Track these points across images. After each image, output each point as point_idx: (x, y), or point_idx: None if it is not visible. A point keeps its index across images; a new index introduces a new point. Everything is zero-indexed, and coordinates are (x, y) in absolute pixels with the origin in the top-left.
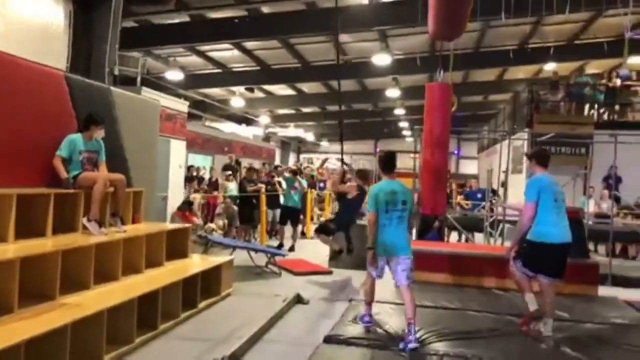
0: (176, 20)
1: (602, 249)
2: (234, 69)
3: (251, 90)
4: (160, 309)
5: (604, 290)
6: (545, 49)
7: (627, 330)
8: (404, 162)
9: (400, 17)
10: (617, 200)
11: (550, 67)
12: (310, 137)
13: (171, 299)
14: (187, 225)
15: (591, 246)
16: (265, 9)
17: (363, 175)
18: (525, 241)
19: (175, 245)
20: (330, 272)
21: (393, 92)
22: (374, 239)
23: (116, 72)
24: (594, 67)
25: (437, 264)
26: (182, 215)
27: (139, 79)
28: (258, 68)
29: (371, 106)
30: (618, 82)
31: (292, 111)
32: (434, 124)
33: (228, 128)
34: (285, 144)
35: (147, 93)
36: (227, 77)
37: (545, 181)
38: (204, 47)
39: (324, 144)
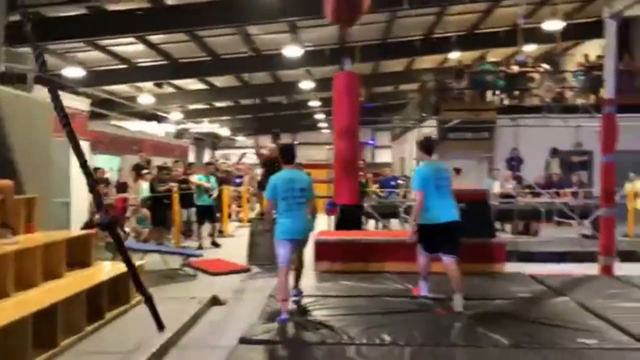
0: (72, 13)
1: (508, 227)
2: (140, 64)
3: (160, 85)
4: (61, 324)
5: (511, 267)
6: (448, 39)
7: (532, 302)
8: (321, 154)
9: (307, 8)
10: (519, 180)
11: (454, 56)
12: (225, 132)
13: (73, 312)
14: (90, 232)
15: (498, 225)
16: (170, 1)
17: None
18: (417, 226)
19: (77, 254)
20: (248, 270)
21: (307, 84)
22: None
23: (1, 69)
24: (495, 55)
25: (350, 253)
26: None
27: (29, 76)
28: (166, 62)
29: (286, 99)
30: (516, 68)
31: (205, 106)
32: (342, 113)
33: (137, 126)
34: (200, 141)
35: (41, 92)
36: (133, 72)
37: (427, 169)
38: (105, 42)
39: (240, 138)
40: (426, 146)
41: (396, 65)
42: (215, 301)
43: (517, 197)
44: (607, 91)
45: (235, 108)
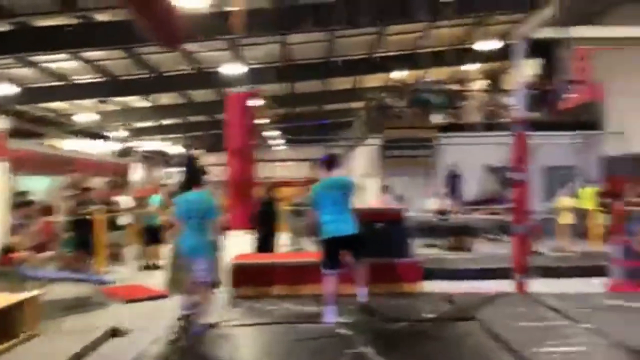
0: None
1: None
2: (78, 81)
3: (103, 102)
4: None
5: (432, 285)
6: (391, 58)
7: (434, 324)
8: (277, 171)
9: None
10: (458, 197)
11: (398, 75)
12: (179, 149)
13: None
14: None
15: (433, 241)
16: (100, 17)
17: None
18: (319, 243)
19: None
20: (166, 296)
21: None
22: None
23: None
24: (436, 74)
25: (266, 276)
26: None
27: None
28: (104, 80)
29: None
30: (455, 87)
31: (154, 124)
32: (235, 135)
33: (74, 145)
34: (149, 159)
35: None
36: (69, 89)
37: (321, 186)
38: (38, 58)
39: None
40: (327, 163)
41: (344, 83)
42: (115, 332)
43: (452, 214)
44: (517, 110)
45: (184, 125)
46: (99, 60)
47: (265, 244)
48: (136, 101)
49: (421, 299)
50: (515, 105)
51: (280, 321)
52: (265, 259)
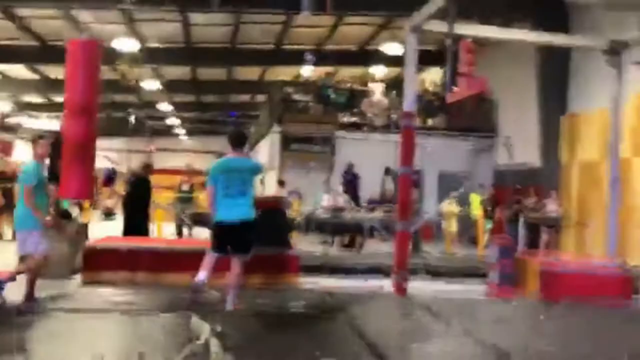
0: None
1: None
2: None
3: None
4: None
5: (316, 281)
6: (298, 52)
7: (298, 319)
8: (180, 162)
9: None
10: (354, 196)
11: (307, 71)
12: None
13: None
14: None
15: (328, 238)
16: None
17: None
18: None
19: None
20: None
21: (153, 85)
22: None
23: None
24: (346, 73)
25: (124, 262)
26: None
27: None
28: None
29: (136, 99)
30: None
31: (43, 100)
32: (76, 88)
33: None
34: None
35: None
36: None
37: (220, 164)
38: None
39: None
40: (232, 138)
41: (251, 73)
42: None
43: (346, 212)
44: (405, 105)
45: None
46: None
47: (134, 228)
48: (21, 71)
49: (297, 293)
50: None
51: (123, 310)
52: (126, 242)
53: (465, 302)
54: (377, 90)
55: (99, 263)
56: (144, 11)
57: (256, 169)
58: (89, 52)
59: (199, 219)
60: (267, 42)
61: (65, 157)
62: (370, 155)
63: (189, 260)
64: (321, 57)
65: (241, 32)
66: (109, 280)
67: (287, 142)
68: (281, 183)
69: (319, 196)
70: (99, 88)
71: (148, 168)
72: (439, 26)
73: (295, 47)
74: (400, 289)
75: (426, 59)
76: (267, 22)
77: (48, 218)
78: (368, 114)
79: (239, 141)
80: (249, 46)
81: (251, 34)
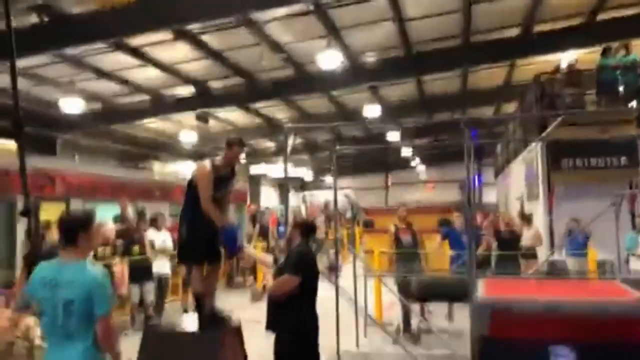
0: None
1: None
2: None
3: (205, 120)
4: None
5: None
6: (556, 33)
7: None
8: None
9: None
10: None
11: (568, 57)
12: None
13: None
14: None
15: None
16: None
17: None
18: None
19: None
20: None
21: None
22: None
23: None
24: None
25: None
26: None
27: None
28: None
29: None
30: None
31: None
32: None
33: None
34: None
35: None
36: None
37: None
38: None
39: (328, 179)
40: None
41: (491, 77)
42: None
43: None
44: None
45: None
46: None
47: None
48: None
49: None
50: None
51: None
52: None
53: None
54: None
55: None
56: None
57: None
58: None
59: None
60: (510, 25)
61: None
62: None
63: None
64: (591, 33)
65: (473, 16)
66: None
67: (555, 156)
68: (526, 218)
69: (628, 239)
70: None
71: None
72: None
73: (550, 26)
74: None
75: None
76: None
77: None
78: None
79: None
80: (485, 37)
81: (487, 18)
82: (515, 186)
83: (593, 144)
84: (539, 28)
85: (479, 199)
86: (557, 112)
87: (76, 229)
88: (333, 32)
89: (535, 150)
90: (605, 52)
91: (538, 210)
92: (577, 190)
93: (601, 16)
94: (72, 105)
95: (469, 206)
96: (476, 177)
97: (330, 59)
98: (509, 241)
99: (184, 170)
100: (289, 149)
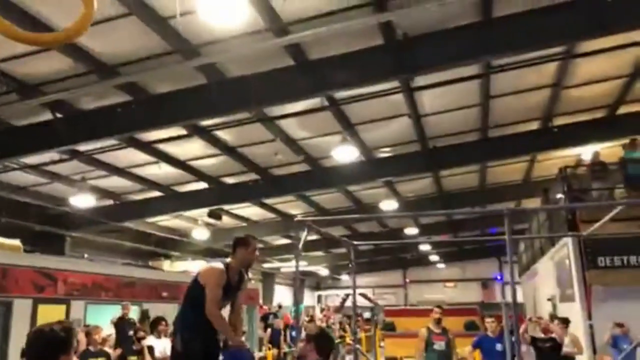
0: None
1: None
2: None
3: (218, 216)
4: None
5: None
6: (577, 126)
7: None
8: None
9: None
10: None
11: (590, 150)
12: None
13: None
14: None
15: None
16: None
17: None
18: None
19: None
20: None
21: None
22: None
23: None
24: None
25: None
26: None
27: None
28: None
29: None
30: None
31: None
32: None
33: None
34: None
35: None
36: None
37: None
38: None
39: (344, 277)
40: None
41: (510, 172)
42: None
43: None
44: None
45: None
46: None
47: None
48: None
49: None
50: None
51: None
52: None
53: None
54: None
55: None
56: None
57: None
58: None
59: None
60: (529, 119)
61: None
62: None
63: None
64: (613, 127)
65: (492, 110)
66: None
67: (590, 254)
68: (566, 322)
69: None
70: None
71: None
72: None
73: (571, 119)
74: None
75: None
76: (530, 89)
77: None
78: None
79: None
80: (503, 131)
81: (506, 112)
82: (544, 286)
83: (629, 240)
84: (559, 121)
85: (512, 299)
86: (610, 202)
87: (55, 352)
88: (348, 128)
89: (566, 248)
90: (630, 146)
91: (573, 312)
92: (618, 290)
93: (622, 109)
94: (82, 202)
95: (514, 306)
96: (498, 276)
97: (345, 154)
98: (550, 351)
99: (194, 268)
100: (301, 243)
